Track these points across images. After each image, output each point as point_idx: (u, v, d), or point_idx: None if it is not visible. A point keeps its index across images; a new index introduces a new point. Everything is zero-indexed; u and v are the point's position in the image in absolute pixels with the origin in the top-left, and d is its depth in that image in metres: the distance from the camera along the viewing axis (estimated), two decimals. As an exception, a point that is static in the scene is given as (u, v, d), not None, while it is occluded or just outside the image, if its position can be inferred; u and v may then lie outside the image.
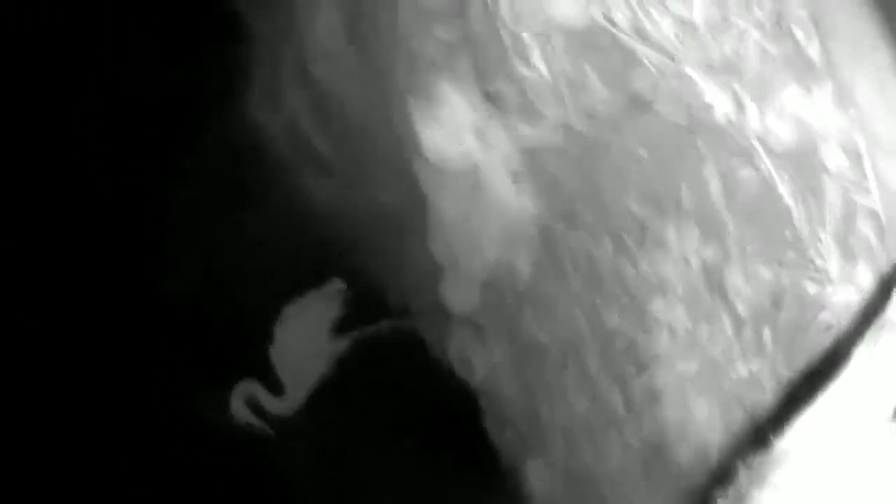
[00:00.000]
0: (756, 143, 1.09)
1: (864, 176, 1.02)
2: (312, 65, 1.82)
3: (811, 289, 1.09)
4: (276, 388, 2.04)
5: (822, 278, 1.08)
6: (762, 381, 1.17)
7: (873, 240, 1.03)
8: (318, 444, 2.80)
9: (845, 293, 1.06)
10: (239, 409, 1.99)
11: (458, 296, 1.67)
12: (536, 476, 1.68)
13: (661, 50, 1.15)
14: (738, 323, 1.19)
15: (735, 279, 1.17)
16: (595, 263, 1.38)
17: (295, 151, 2.06)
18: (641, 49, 1.17)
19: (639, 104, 1.21)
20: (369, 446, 2.55)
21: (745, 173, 1.12)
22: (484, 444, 2.05)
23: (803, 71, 1.05)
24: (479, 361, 1.77)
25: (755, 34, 1.07)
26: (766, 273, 1.14)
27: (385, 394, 2.64)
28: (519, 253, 1.53)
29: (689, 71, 1.13)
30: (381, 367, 2.36)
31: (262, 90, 2.09)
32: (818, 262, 1.08)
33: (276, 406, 2.04)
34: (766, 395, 1.16)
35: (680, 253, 1.24)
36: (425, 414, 2.46)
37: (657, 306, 1.26)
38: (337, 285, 2.05)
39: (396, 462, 2.51)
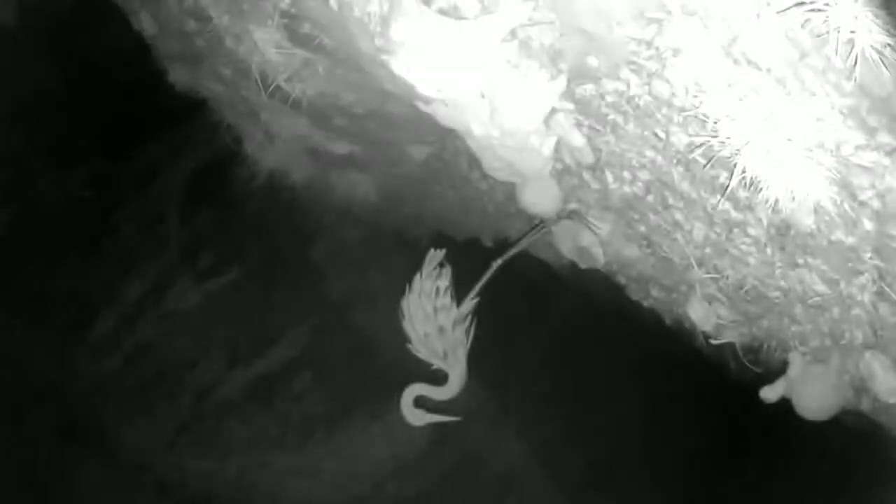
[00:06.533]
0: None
1: None
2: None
3: None
4: (436, 378, 1.99)
5: None
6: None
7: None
8: (497, 407, 2.87)
9: None
10: (411, 413, 1.94)
11: (541, 197, 1.67)
12: (704, 310, 1.67)
13: None
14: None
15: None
16: (633, 99, 1.36)
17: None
18: None
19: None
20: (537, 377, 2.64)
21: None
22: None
23: None
24: (593, 243, 1.77)
25: None
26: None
27: (529, 327, 2.68)
28: (570, 130, 1.51)
29: None
30: (517, 306, 2.37)
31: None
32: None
33: (445, 393, 1.98)
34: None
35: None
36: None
37: (706, 100, 1.23)
38: (435, 255, 1.97)
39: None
